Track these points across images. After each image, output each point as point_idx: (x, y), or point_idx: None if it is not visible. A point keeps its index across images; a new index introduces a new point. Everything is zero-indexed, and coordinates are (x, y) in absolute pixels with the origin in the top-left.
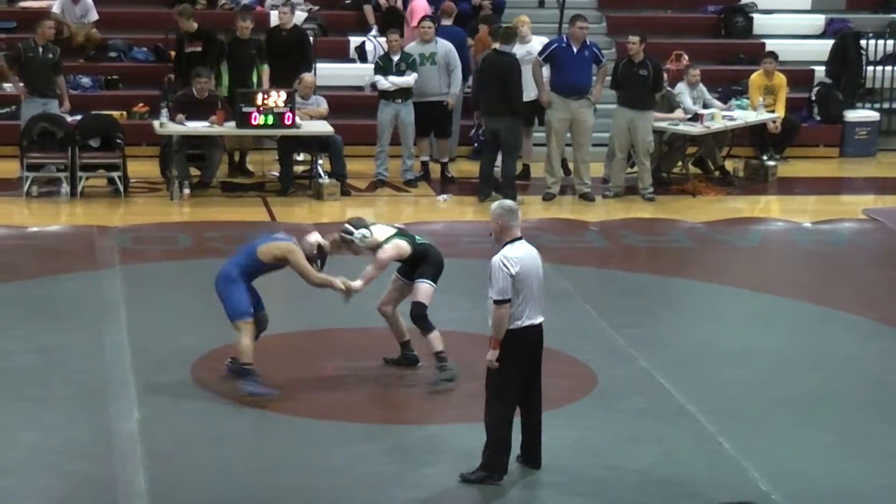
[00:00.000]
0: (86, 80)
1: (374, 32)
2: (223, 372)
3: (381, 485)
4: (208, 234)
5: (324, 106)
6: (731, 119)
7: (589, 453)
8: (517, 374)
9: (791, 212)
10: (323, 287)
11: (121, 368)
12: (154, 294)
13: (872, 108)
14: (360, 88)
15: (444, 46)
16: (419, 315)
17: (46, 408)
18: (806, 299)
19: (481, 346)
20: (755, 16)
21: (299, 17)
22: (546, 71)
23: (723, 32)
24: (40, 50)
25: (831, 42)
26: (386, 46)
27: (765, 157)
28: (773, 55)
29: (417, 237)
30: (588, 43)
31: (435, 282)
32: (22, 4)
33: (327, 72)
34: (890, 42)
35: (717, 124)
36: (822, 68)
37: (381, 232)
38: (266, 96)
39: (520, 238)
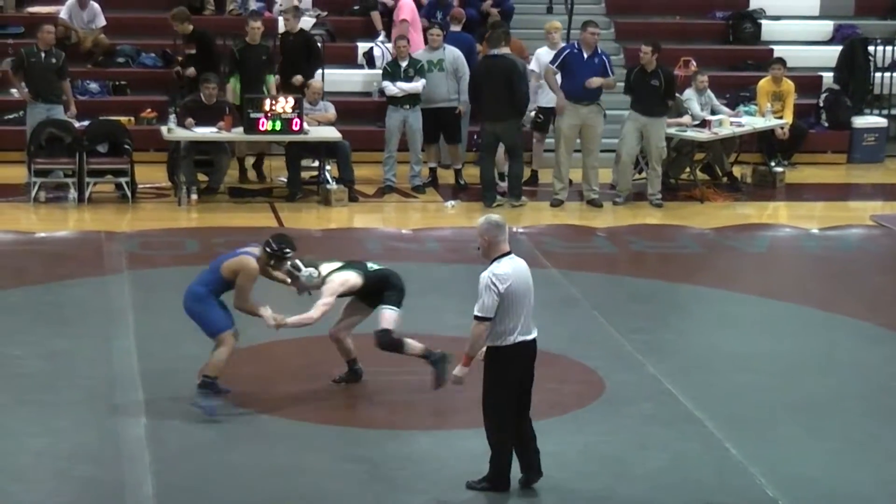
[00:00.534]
0: (93, 86)
1: (381, 38)
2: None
3: (389, 490)
4: (216, 239)
5: (332, 111)
6: (739, 125)
7: (596, 459)
8: (511, 392)
9: (799, 218)
10: (249, 314)
11: (128, 374)
12: (161, 300)
13: (880, 115)
14: (367, 94)
15: (453, 53)
16: (386, 341)
17: (54, 413)
18: (813, 305)
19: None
20: (763, 22)
21: (307, 22)
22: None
23: (731, 38)
24: (42, 55)
25: (839, 48)
26: (394, 52)
27: (773, 164)
28: (781, 61)
29: (371, 264)
30: (599, 51)
31: (399, 307)
32: (30, 10)
33: (335, 77)
34: None
35: (725, 130)
36: (831, 74)
37: (326, 268)
38: (274, 102)
39: (508, 253)
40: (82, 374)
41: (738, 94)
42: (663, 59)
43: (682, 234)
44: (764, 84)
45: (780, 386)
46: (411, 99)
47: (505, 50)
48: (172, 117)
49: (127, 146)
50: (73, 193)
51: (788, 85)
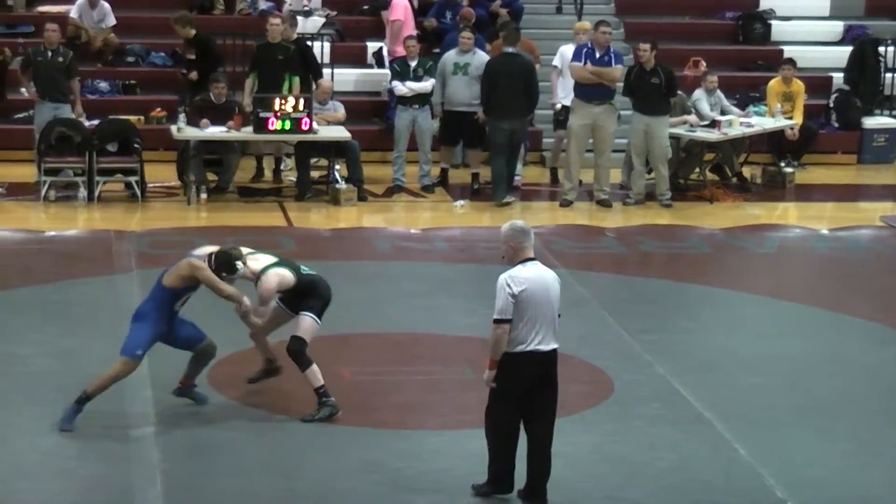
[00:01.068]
0: (103, 85)
1: None
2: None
3: (397, 490)
4: (225, 238)
5: (341, 111)
6: (749, 126)
7: (605, 459)
8: (512, 400)
9: (808, 219)
10: (229, 300)
11: (137, 373)
12: None
13: (891, 115)
14: (377, 94)
15: (481, 58)
16: (298, 350)
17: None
18: (822, 306)
19: None
20: (773, 22)
21: (317, 22)
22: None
23: (741, 39)
24: (49, 54)
25: (849, 49)
26: (393, 52)
27: (782, 164)
28: (791, 62)
29: (303, 267)
30: (612, 51)
31: (320, 317)
32: (40, 9)
33: (344, 77)
34: None
35: (735, 131)
36: (841, 75)
37: (260, 261)
38: (283, 101)
39: (533, 259)
40: (91, 373)
41: (747, 95)
42: (674, 59)
43: (692, 234)
44: (774, 85)
45: (788, 387)
46: (420, 98)
47: (514, 49)
48: (182, 116)
49: (137, 145)
50: (82, 192)
51: (798, 85)
